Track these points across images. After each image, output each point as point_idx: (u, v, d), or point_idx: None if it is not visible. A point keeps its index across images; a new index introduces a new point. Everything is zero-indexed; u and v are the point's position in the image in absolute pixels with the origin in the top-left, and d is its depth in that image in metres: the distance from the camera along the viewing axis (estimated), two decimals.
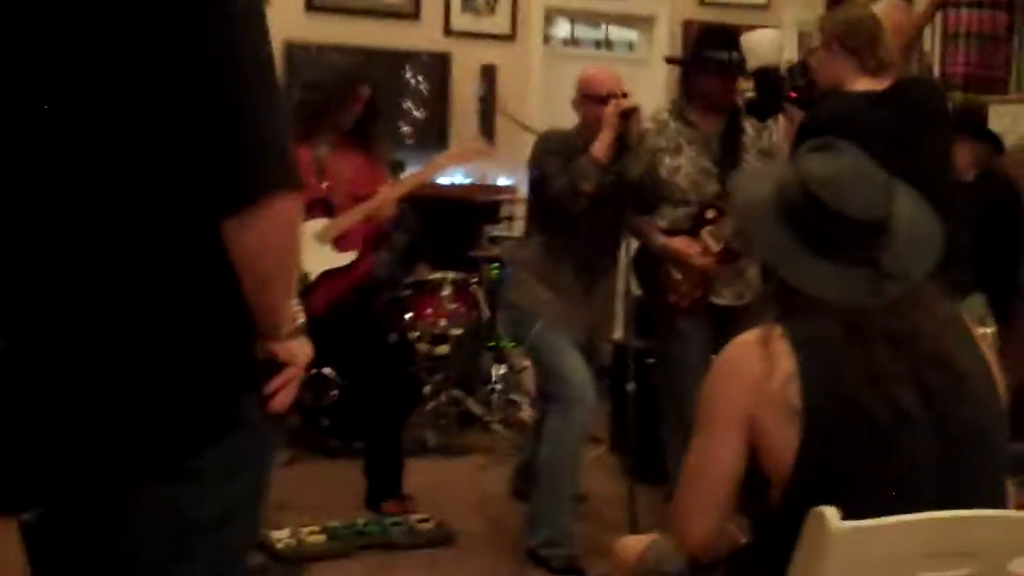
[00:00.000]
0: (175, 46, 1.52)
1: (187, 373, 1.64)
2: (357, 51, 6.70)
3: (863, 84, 3.48)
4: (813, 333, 1.90)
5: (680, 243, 4.15)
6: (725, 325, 3.96)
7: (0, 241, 1.65)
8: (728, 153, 4.20)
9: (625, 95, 4.07)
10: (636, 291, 4.39)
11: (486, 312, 5.82)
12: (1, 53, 1.57)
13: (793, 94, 4.03)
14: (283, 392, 1.75)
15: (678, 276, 4.17)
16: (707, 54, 4.20)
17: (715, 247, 4.13)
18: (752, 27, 4.33)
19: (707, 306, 4.18)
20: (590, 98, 4.10)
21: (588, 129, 4.05)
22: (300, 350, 1.79)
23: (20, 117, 1.57)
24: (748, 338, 1.94)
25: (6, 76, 1.57)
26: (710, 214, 4.14)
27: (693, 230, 4.16)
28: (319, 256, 4.38)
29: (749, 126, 4.26)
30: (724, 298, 4.20)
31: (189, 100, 1.52)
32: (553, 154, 4.04)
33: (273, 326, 1.72)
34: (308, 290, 4.23)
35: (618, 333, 5.38)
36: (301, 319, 1.80)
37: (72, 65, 1.54)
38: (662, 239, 4.18)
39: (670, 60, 5.95)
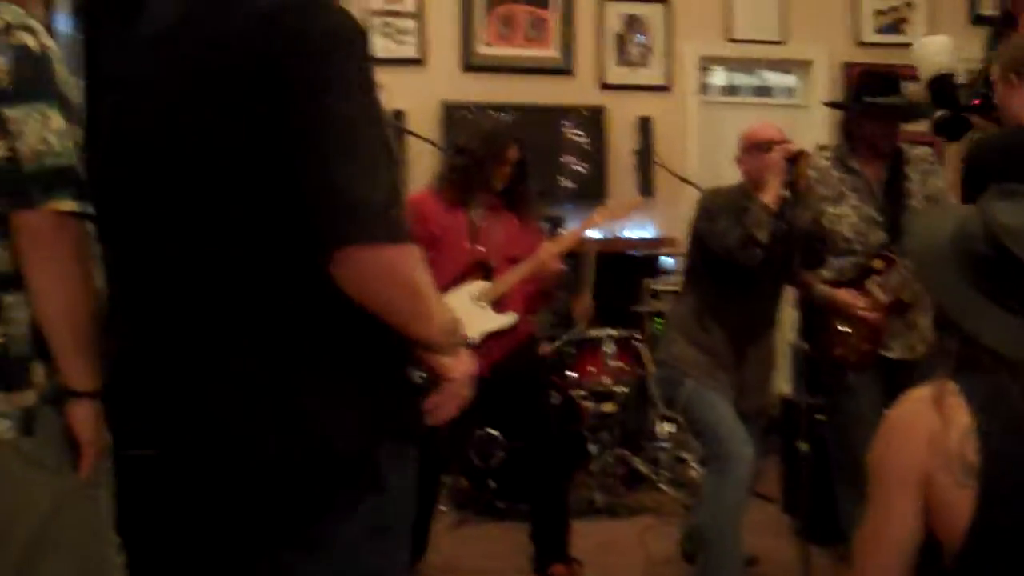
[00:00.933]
0: (273, 112, 1.61)
1: (313, 430, 1.63)
2: (513, 108, 6.76)
3: None
4: (991, 390, 1.80)
5: (845, 295, 4.02)
6: (897, 379, 3.82)
7: (134, 294, 1.76)
8: (893, 200, 4.06)
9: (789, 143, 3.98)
10: (804, 345, 4.25)
11: (651, 368, 5.73)
12: (137, 124, 1.71)
13: (977, 101, 3.86)
14: (443, 408, 1.84)
15: (845, 329, 4.03)
16: (868, 98, 4.07)
17: (883, 299, 3.98)
18: (913, 67, 4.18)
19: (877, 360, 4.02)
20: (755, 148, 4.00)
21: (754, 182, 3.95)
22: (458, 364, 1.87)
23: (156, 173, 1.69)
24: (921, 393, 1.85)
25: (143, 138, 1.70)
26: (877, 264, 4.00)
27: (859, 281, 4.03)
28: (480, 318, 4.38)
29: (913, 172, 4.10)
30: (894, 351, 4.04)
31: (284, 161, 1.62)
32: (722, 210, 3.95)
33: (427, 346, 1.80)
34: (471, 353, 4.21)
35: (787, 388, 5.22)
36: (461, 333, 1.87)
37: (192, 131, 1.66)
38: (827, 291, 4.05)
39: (830, 104, 5.80)
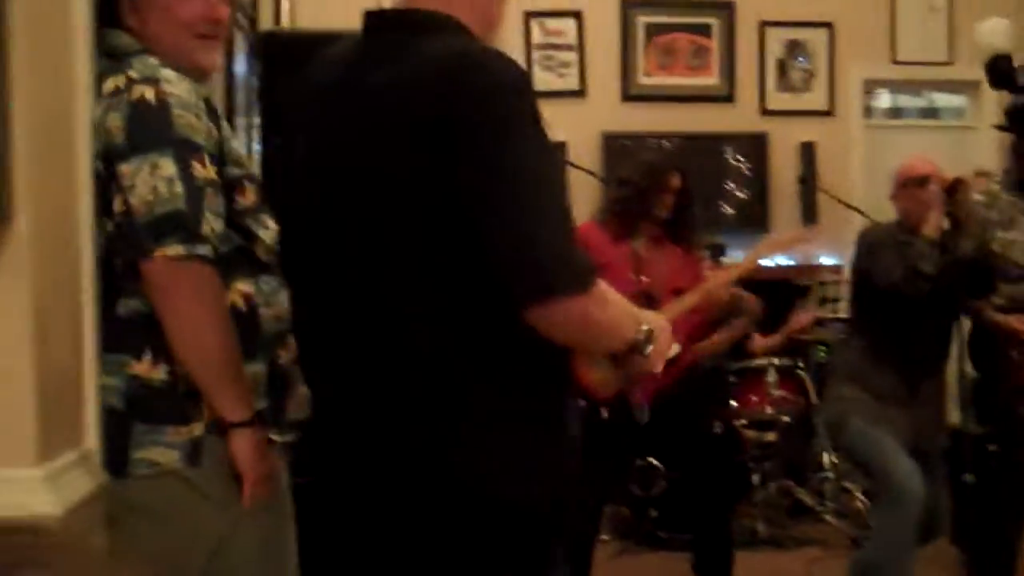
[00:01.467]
0: (452, 162, 1.69)
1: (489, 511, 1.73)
2: (673, 136, 6.77)
3: None
4: None
5: (1017, 321, 3.92)
6: None
7: (321, 334, 1.89)
8: None
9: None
10: (973, 373, 4.16)
11: (815, 397, 5.66)
12: (323, 174, 1.86)
13: None
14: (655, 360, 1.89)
15: (1017, 356, 3.93)
16: None
17: None
18: None
19: None
20: (910, 183, 3.96)
21: (911, 217, 3.91)
22: (657, 321, 1.91)
23: (342, 220, 1.82)
24: None
25: (330, 186, 1.84)
26: None
27: None
28: None
29: None
30: None
31: (466, 211, 1.70)
32: (883, 246, 3.91)
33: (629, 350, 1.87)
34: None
35: (955, 417, 5.10)
36: (647, 327, 1.89)
37: (375, 180, 1.77)
38: (999, 317, 3.96)
39: (1001, 128, 5.65)
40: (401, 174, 1.73)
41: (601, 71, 7.04)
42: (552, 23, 6.93)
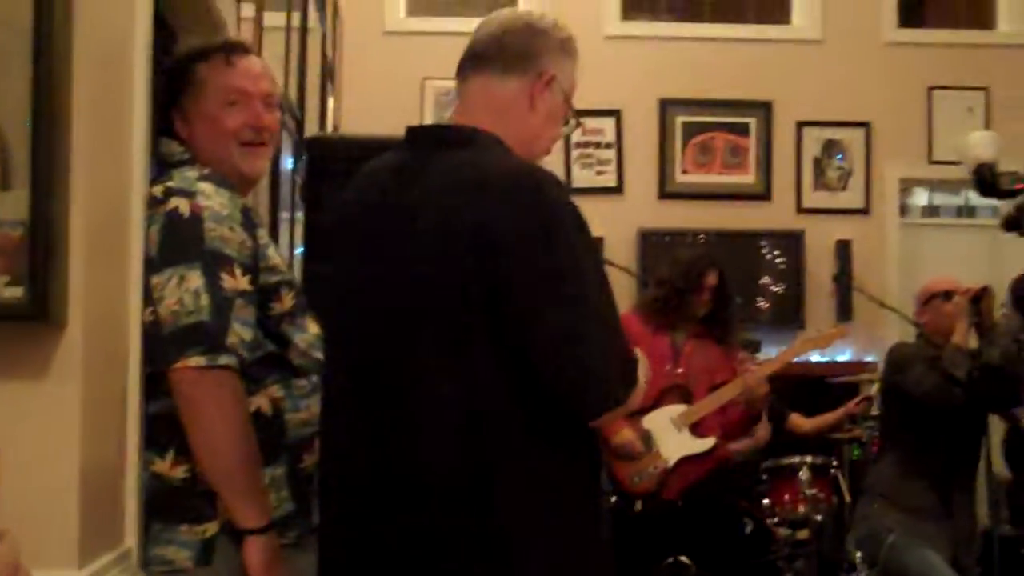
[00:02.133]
0: (497, 276, 1.79)
1: None
2: (710, 233, 6.85)
3: None
4: None
5: None
6: None
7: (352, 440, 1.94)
8: None
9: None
10: (1003, 474, 4.18)
11: (848, 496, 5.64)
12: (370, 285, 1.95)
13: (1020, 186, 3.82)
14: None
15: None
16: None
17: None
18: None
19: None
20: (934, 298, 4.05)
21: (939, 332, 4.00)
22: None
23: (390, 341, 1.90)
24: None
25: (377, 299, 1.93)
26: None
27: None
28: (677, 442, 4.42)
29: None
30: None
31: (515, 326, 1.80)
32: (913, 359, 3.99)
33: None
34: (666, 476, 4.28)
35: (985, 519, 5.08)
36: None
37: (424, 292, 1.85)
38: None
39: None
40: (444, 279, 1.82)
41: (639, 168, 7.17)
42: (592, 122, 7.06)
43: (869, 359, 6.72)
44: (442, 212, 1.84)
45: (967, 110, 7.38)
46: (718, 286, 4.52)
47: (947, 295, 3.98)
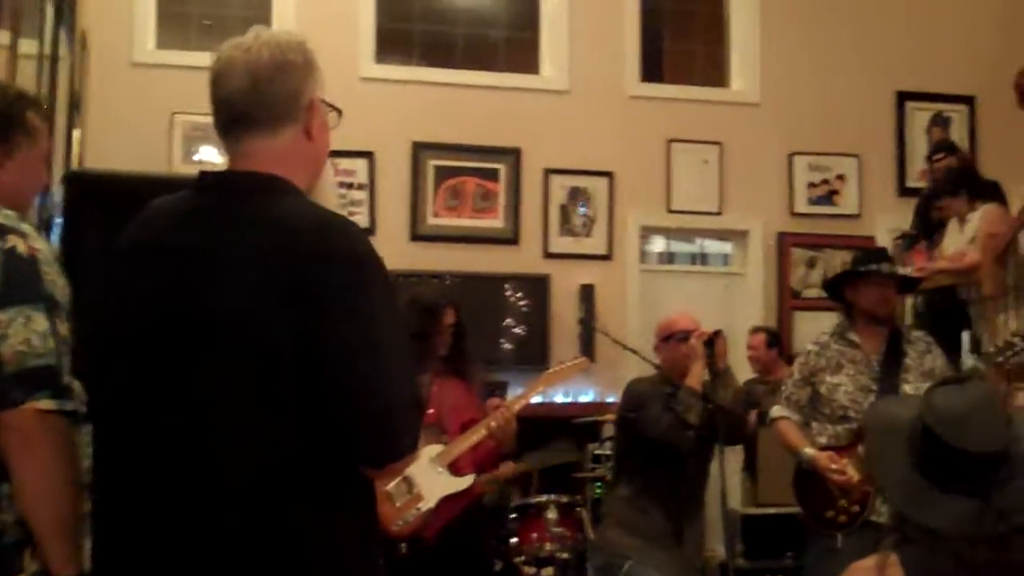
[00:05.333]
0: (306, 323, 1.78)
1: None
2: (459, 276, 6.96)
3: None
4: (928, 562, 1.94)
5: (825, 458, 4.13)
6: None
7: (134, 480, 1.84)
8: (888, 372, 4.24)
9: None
10: (735, 507, 4.39)
11: (591, 534, 5.80)
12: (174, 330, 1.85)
13: None
14: None
15: (836, 491, 4.14)
16: (865, 267, 4.31)
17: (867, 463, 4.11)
18: (845, 236, 4.48)
19: (864, 524, 4.06)
20: (672, 337, 4.25)
21: (674, 370, 4.18)
22: None
23: (176, 379, 1.83)
24: (865, 564, 2.00)
25: (180, 335, 1.84)
26: None
27: (853, 446, 4.14)
28: (438, 482, 4.43)
29: (911, 350, 4.30)
30: (883, 516, 4.09)
31: (319, 369, 1.79)
32: (649, 397, 4.16)
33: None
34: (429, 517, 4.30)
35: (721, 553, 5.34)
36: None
37: (226, 338, 1.80)
38: (810, 452, 4.17)
39: (829, 283, 5.63)
40: (252, 320, 1.78)
41: (391, 210, 7.23)
42: (345, 163, 7.09)
43: (611, 399, 6.93)
44: (250, 258, 1.81)
45: (703, 162, 7.78)
46: (456, 323, 4.58)
47: (685, 336, 4.19)
